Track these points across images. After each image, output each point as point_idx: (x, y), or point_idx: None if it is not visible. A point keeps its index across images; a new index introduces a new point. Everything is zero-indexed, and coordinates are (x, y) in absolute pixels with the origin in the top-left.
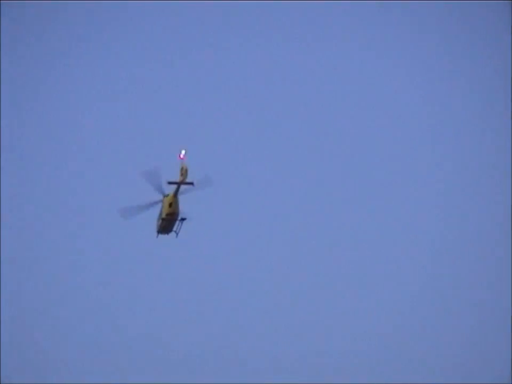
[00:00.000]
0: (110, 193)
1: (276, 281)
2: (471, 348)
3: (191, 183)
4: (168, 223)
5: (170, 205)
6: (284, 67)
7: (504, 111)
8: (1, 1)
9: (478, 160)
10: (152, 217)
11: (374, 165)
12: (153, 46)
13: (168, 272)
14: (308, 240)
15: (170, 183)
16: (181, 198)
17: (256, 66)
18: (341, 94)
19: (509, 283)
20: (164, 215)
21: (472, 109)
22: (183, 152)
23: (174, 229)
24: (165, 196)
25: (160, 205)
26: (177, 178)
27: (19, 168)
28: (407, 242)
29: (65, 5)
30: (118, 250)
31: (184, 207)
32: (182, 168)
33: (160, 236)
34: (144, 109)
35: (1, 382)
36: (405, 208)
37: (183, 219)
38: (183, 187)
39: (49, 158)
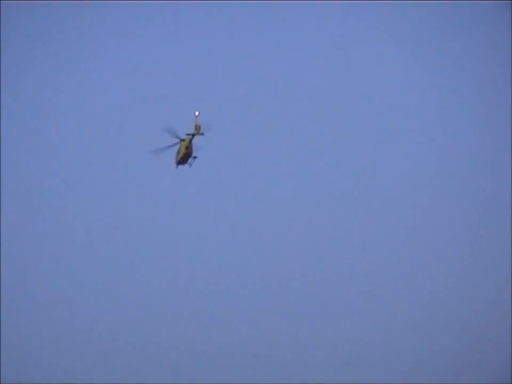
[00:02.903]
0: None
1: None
2: (471, 347)
3: (202, 134)
4: (185, 159)
5: (186, 147)
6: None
7: (504, 111)
8: (1, 1)
9: (478, 160)
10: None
11: (370, 134)
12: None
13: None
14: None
15: (188, 134)
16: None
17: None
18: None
19: (509, 283)
20: (181, 154)
21: (472, 108)
22: (197, 113)
23: (188, 162)
24: (182, 140)
25: (177, 146)
26: (192, 131)
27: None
28: (405, 239)
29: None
30: (147, 179)
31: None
32: (196, 125)
33: (179, 167)
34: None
35: (1, 382)
36: (403, 202)
37: (194, 157)
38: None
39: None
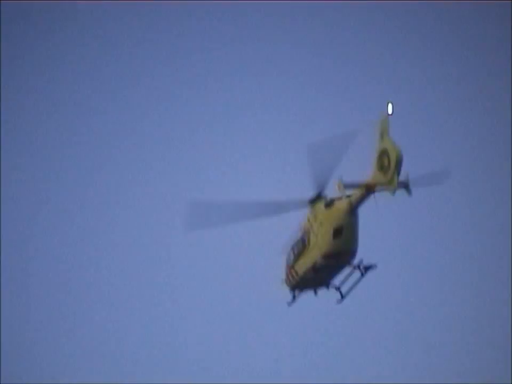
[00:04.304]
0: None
1: None
2: (471, 347)
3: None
4: (327, 269)
5: (338, 231)
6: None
7: (504, 112)
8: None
9: (477, 161)
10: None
11: None
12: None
13: None
14: None
15: (348, 186)
16: None
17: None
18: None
19: (509, 283)
20: (322, 253)
21: (472, 109)
22: (390, 109)
23: (333, 284)
24: (319, 202)
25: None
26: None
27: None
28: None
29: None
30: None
31: None
32: (385, 152)
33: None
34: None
35: (1, 382)
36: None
37: (367, 267)
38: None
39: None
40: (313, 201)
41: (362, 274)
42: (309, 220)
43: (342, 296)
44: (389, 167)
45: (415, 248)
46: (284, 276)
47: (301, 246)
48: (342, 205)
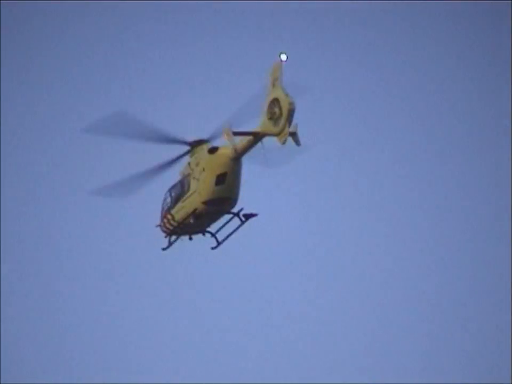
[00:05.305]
0: None
1: None
2: (471, 347)
3: (297, 143)
4: (207, 216)
5: (222, 178)
6: None
7: (503, 112)
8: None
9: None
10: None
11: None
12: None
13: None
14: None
15: (236, 133)
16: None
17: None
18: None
19: (509, 283)
20: (203, 199)
21: (471, 110)
22: (283, 56)
23: (213, 229)
24: (203, 146)
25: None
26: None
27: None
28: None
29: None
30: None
31: None
32: (277, 101)
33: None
34: None
35: (1, 382)
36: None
37: (247, 215)
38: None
39: None
40: (195, 145)
41: (242, 222)
42: (189, 164)
43: (218, 243)
44: (280, 117)
45: (302, 201)
46: (163, 225)
47: (180, 191)
48: (226, 151)
